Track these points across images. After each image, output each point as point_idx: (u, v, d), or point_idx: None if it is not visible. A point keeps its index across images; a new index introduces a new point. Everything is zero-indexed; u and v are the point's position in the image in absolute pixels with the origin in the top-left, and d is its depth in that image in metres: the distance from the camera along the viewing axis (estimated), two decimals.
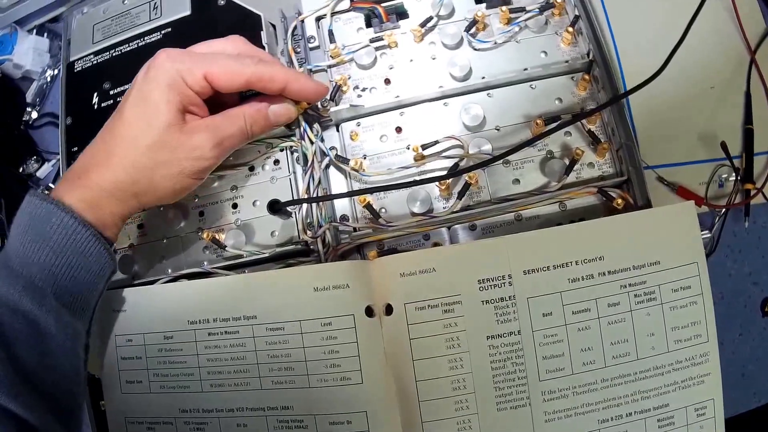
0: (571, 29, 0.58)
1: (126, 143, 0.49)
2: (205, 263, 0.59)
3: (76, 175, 0.49)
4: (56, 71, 0.82)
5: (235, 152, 0.55)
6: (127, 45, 0.67)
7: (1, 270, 0.46)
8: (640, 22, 0.71)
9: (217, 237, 0.57)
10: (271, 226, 0.58)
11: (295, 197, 0.58)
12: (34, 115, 0.82)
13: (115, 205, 0.49)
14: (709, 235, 0.66)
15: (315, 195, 0.57)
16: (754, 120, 0.69)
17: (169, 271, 0.59)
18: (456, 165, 0.56)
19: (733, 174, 0.66)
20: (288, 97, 0.54)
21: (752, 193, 0.67)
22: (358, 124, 0.60)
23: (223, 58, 0.50)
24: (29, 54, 0.79)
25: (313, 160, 0.57)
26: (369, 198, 0.55)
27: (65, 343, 0.47)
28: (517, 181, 0.57)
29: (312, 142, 0.57)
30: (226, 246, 0.57)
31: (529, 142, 0.54)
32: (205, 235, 0.57)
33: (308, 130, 0.57)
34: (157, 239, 0.61)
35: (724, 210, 0.66)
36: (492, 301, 0.51)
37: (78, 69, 0.68)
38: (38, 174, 0.80)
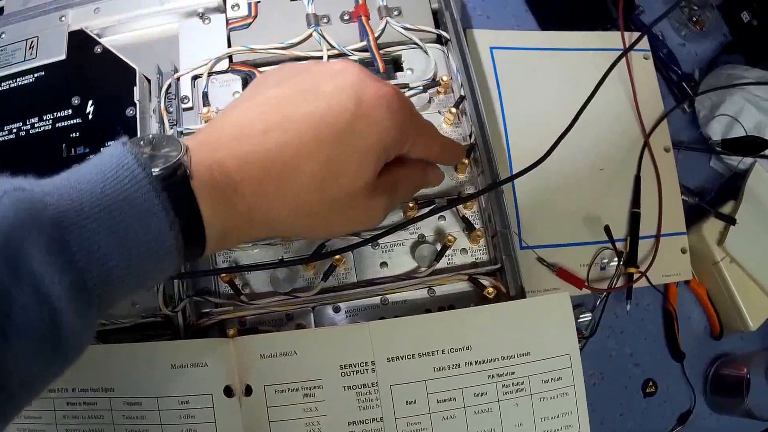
0: (454, 110, 0.64)
1: (310, 183, 0.46)
2: None
3: (231, 186, 0.44)
4: None
5: None
6: None
7: (55, 244, 0.38)
8: (532, 102, 0.78)
9: None
10: (133, 296, 0.61)
11: None
12: None
13: (248, 232, 0.48)
14: (589, 317, 0.73)
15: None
16: (642, 204, 0.78)
17: None
18: (322, 245, 0.60)
19: (616, 257, 0.74)
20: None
21: (635, 277, 0.74)
22: None
23: (431, 128, 0.54)
24: None
25: None
26: (230, 275, 0.59)
27: (75, 355, 0.41)
28: (385, 264, 0.61)
29: None
30: None
31: (400, 226, 0.59)
32: None
33: None
34: None
35: (605, 293, 0.74)
36: (354, 387, 0.55)
37: None
38: None
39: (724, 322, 0.82)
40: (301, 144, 0.45)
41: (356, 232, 0.56)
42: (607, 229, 0.73)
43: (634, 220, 0.78)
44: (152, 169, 0.40)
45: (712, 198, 0.85)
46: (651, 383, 0.80)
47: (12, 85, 0.68)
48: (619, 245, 0.75)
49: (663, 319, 0.82)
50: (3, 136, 0.66)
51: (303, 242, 0.62)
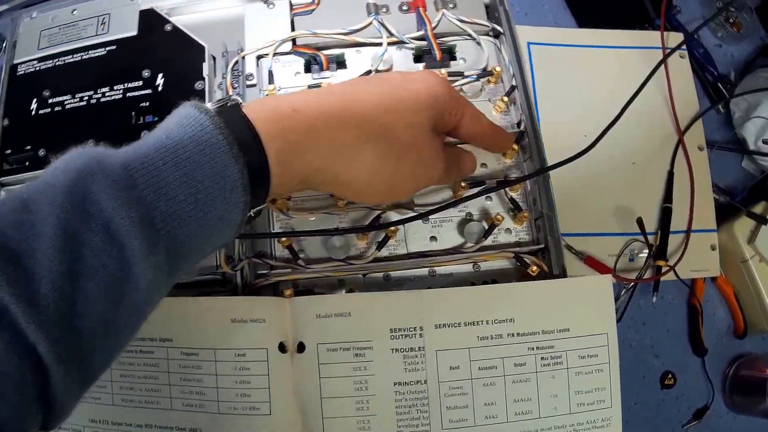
0: (506, 98, 0.69)
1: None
2: None
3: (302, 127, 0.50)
4: None
5: None
6: (70, 56, 0.74)
7: (122, 182, 0.41)
8: (566, 97, 0.83)
9: None
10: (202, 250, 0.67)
11: None
12: None
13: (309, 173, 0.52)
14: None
15: None
16: (674, 199, 0.82)
17: None
18: (378, 217, 0.65)
19: (646, 249, 0.78)
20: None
21: (663, 270, 0.79)
22: None
23: (482, 114, 0.61)
24: None
25: None
26: (290, 239, 0.65)
27: (146, 302, 0.44)
28: (434, 238, 0.66)
29: None
30: None
31: (450, 205, 0.64)
32: None
33: None
34: None
35: (632, 283, 0.78)
36: (402, 350, 0.60)
37: (21, 72, 0.74)
38: None
39: (749, 321, 0.86)
40: (367, 93, 0.54)
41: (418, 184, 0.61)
42: (639, 221, 0.77)
43: (666, 214, 0.82)
44: (213, 111, 0.46)
45: (743, 197, 0.90)
46: (670, 375, 0.85)
47: (84, 57, 0.74)
48: (649, 239, 0.79)
49: (687, 313, 0.87)
50: (75, 103, 0.71)
51: (357, 213, 0.67)
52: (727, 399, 0.87)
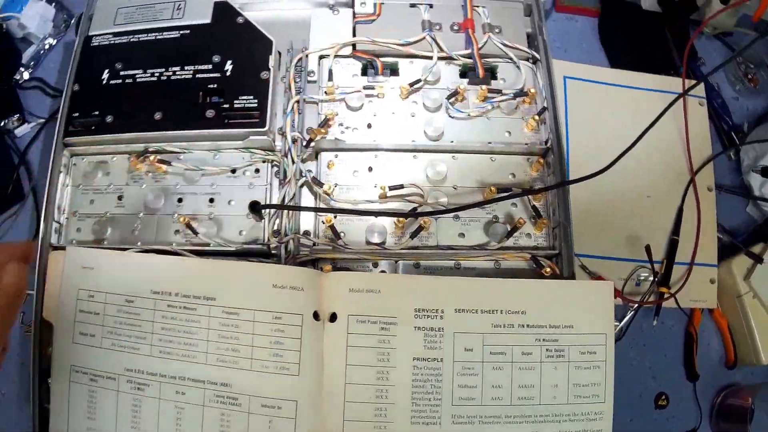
0: (537, 117, 0.77)
1: None
2: (174, 244, 0.73)
3: None
4: (56, 41, 0.98)
5: (221, 155, 0.75)
6: (145, 35, 0.82)
7: None
8: (594, 128, 0.91)
9: (191, 223, 0.73)
10: (241, 225, 0.74)
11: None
12: (26, 76, 0.97)
13: None
14: (618, 325, 0.84)
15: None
16: (681, 232, 0.89)
17: (139, 243, 0.74)
18: (414, 209, 0.73)
19: (651, 276, 0.85)
20: None
21: (666, 296, 0.86)
22: (336, 156, 0.76)
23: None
24: (35, 18, 0.95)
25: (292, 177, 0.74)
26: (334, 220, 0.72)
27: None
28: (462, 235, 0.74)
29: (293, 162, 0.74)
30: (198, 233, 0.72)
31: (480, 204, 0.72)
32: (181, 219, 0.72)
33: (293, 149, 0.74)
34: (133, 213, 0.76)
35: (636, 305, 0.85)
36: (423, 329, 0.67)
37: (95, 44, 0.82)
38: (16, 132, 0.95)
39: (740, 353, 0.92)
40: None
41: None
42: (647, 249, 0.84)
43: (672, 246, 0.89)
44: None
45: (744, 238, 0.96)
46: (664, 397, 0.91)
47: (158, 37, 0.82)
48: (655, 267, 0.86)
49: (684, 340, 0.93)
50: (145, 77, 0.79)
51: (395, 204, 0.75)
52: (714, 425, 0.93)
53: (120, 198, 0.78)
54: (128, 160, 0.78)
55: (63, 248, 0.73)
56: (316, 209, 0.74)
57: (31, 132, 0.97)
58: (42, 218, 0.75)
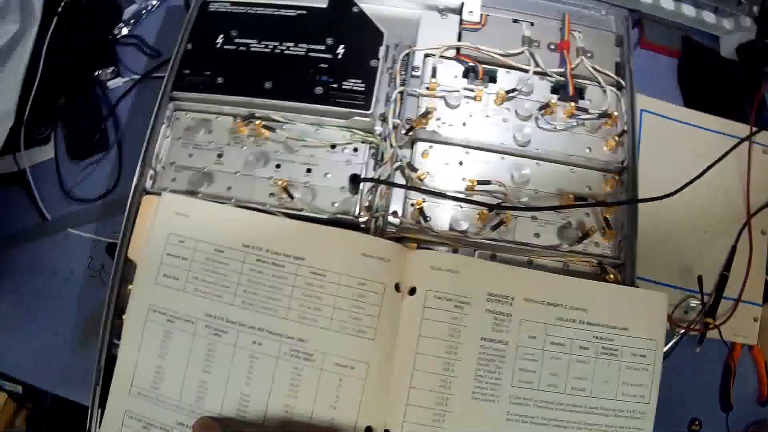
0: (617, 138, 0.83)
1: None
2: (268, 206, 0.79)
3: None
4: (158, 3, 1.07)
5: (322, 131, 0.83)
6: (262, 8, 0.89)
7: None
8: (663, 156, 0.97)
9: (288, 188, 0.79)
10: (334, 197, 0.80)
11: None
12: (125, 32, 1.05)
13: None
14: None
15: (382, 188, 0.80)
16: (732, 270, 0.94)
17: (233, 200, 0.80)
18: (497, 204, 0.79)
19: (700, 305, 0.90)
20: None
21: (710, 326, 0.91)
22: (431, 147, 0.82)
23: None
24: None
25: (388, 160, 0.80)
26: (423, 203, 0.78)
27: None
28: (537, 234, 0.80)
29: (392, 146, 0.81)
30: (294, 197, 0.79)
31: (558, 207, 0.79)
32: (279, 182, 0.79)
33: (392, 134, 0.81)
34: (231, 172, 0.82)
35: (683, 331, 0.90)
36: (494, 312, 0.72)
37: (212, 9, 0.89)
38: (109, 84, 1.03)
39: None
40: None
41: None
42: (699, 280, 0.89)
43: (722, 281, 0.94)
44: None
45: None
46: (697, 422, 0.95)
47: (275, 13, 0.89)
48: (705, 298, 0.90)
49: (722, 371, 0.97)
50: (259, 47, 0.86)
51: (481, 198, 0.81)
52: None
53: (219, 156, 0.84)
54: (233, 121, 0.85)
55: (156, 194, 0.79)
56: (412, 188, 0.80)
57: (124, 87, 1.03)
58: (139, 163, 0.81)
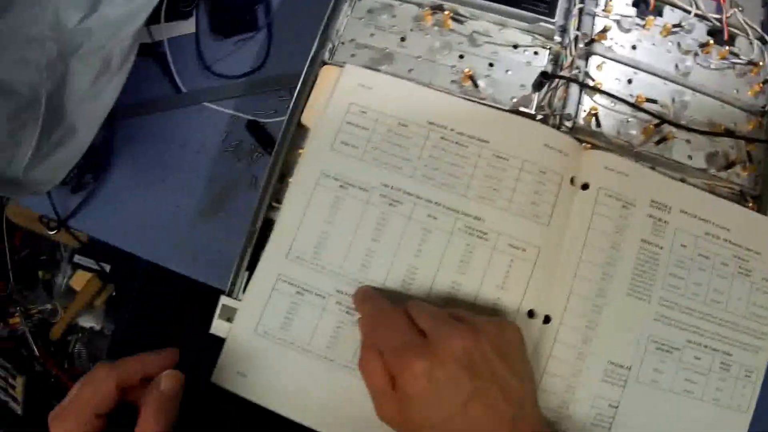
0: (762, 85, 0.92)
1: None
2: (449, 90, 0.85)
3: None
4: None
5: (504, 31, 0.88)
6: None
7: None
8: None
9: (474, 77, 0.84)
10: (513, 92, 0.86)
11: None
12: None
13: None
14: None
15: (559, 91, 0.86)
16: None
17: (414, 82, 0.84)
18: (667, 120, 0.85)
19: None
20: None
21: None
22: (604, 62, 0.88)
23: None
24: None
25: (568, 65, 0.86)
26: (598, 109, 0.85)
27: None
28: (690, 157, 0.87)
29: (571, 54, 0.87)
30: (479, 85, 0.84)
31: (713, 133, 0.86)
32: (466, 70, 0.84)
33: (573, 44, 0.87)
34: (413, 55, 0.87)
35: None
36: (654, 217, 0.79)
37: None
38: None
39: None
40: None
41: None
42: None
43: None
44: None
45: None
46: None
47: None
48: None
49: None
50: None
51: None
52: None
53: (403, 39, 0.88)
54: (419, 9, 0.89)
55: (335, 65, 0.84)
56: (600, 90, 0.86)
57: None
58: (319, 35, 0.85)
